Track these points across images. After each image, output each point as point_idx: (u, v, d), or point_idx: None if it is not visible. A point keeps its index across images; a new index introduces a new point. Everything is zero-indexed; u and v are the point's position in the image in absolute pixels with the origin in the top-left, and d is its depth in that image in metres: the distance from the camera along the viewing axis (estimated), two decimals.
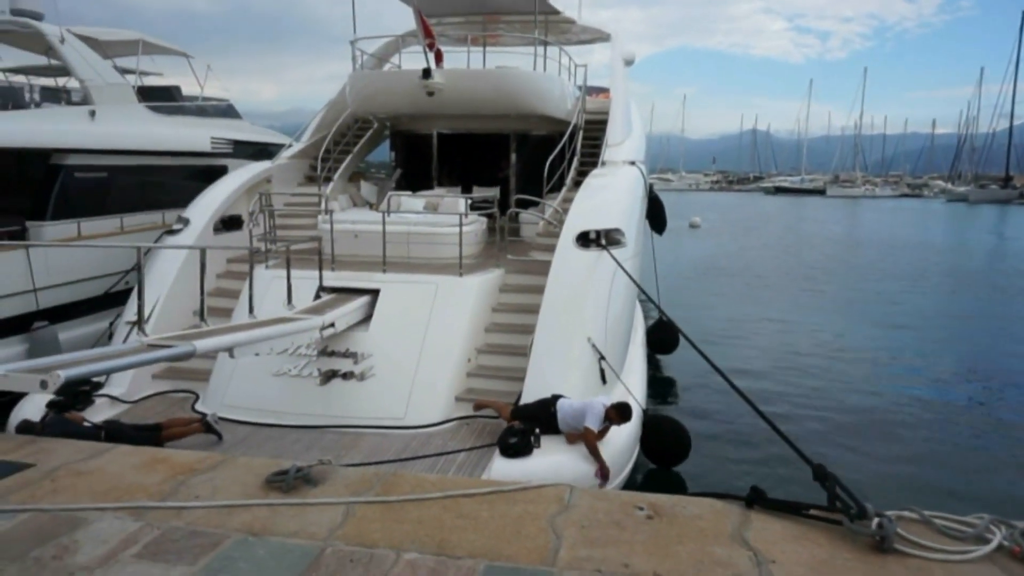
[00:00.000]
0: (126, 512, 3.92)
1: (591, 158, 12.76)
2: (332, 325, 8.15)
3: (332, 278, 9.39)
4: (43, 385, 4.27)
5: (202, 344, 5.90)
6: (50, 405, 7.59)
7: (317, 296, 9.16)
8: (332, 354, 8.48)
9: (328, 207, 11.11)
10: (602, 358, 8.09)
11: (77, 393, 7.69)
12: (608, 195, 10.13)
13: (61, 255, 10.63)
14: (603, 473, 6.77)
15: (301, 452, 7.25)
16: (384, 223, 9.66)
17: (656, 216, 14.58)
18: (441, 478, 4.66)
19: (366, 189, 14.15)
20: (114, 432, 6.94)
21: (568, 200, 10.88)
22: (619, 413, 7.05)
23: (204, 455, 4.87)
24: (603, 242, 8.96)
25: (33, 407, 7.72)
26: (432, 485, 4.38)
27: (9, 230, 10.50)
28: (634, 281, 9.12)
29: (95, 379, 8.03)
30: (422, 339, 8.55)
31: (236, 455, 4.80)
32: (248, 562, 3.46)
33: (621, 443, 7.33)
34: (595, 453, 6.85)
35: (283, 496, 4.22)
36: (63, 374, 4.33)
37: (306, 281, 9.12)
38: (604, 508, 4.04)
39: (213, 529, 3.79)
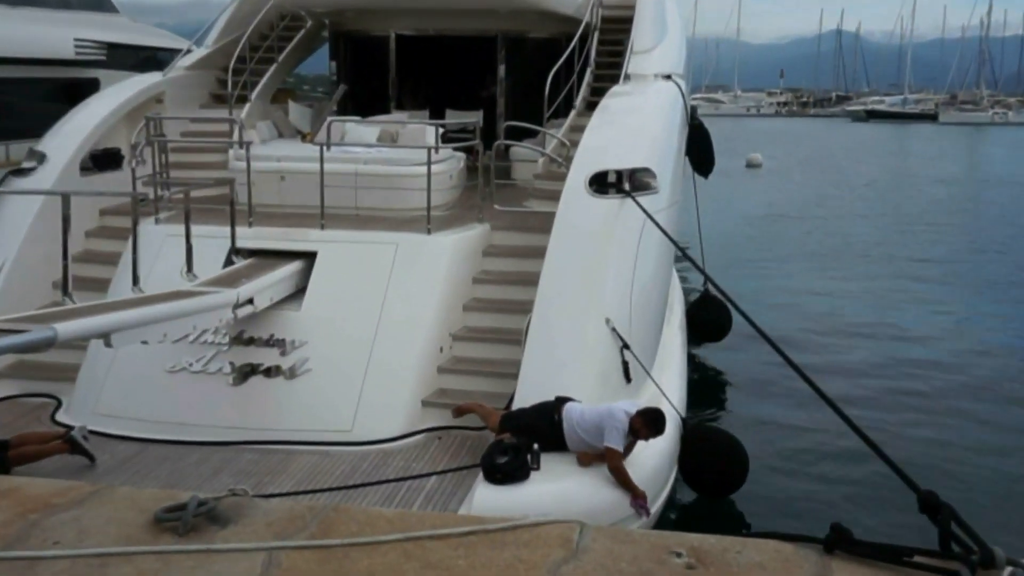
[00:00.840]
0: None
1: (610, 71, 12.65)
2: (250, 302, 8.11)
3: (250, 237, 9.35)
4: None
5: (66, 328, 5.82)
6: None
7: (229, 262, 9.11)
8: (250, 342, 8.46)
9: (243, 138, 10.97)
10: (626, 347, 8.08)
11: None
12: (633, 122, 10.05)
13: None
14: (641, 501, 6.88)
15: (207, 478, 7.24)
16: (322, 160, 9.61)
17: (701, 152, 14.52)
18: (402, 513, 4.60)
19: (296, 113, 14.00)
20: None
21: (578, 128, 10.78)
22: (648, 423, 7.08)
23: (67, 484, 4.77)
24: (627, 187, 8.95)
25: None
26: (389, 523, 4.31)
27: None
28: (671, 239, 9.09)
29: None
30: (376, 321, 8.54)
31: (114, 484, 4.72)
32: None
33: (652, 465, 7.33)
34: (623, 479, 6.92)
35: (179, 541, 4.15)
36: None
37: (213, 241, 9.07)
38: (628, 554, 4.01)
39: None
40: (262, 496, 4.81)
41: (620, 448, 6.97)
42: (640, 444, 7.23)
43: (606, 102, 10.44)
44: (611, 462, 6.94)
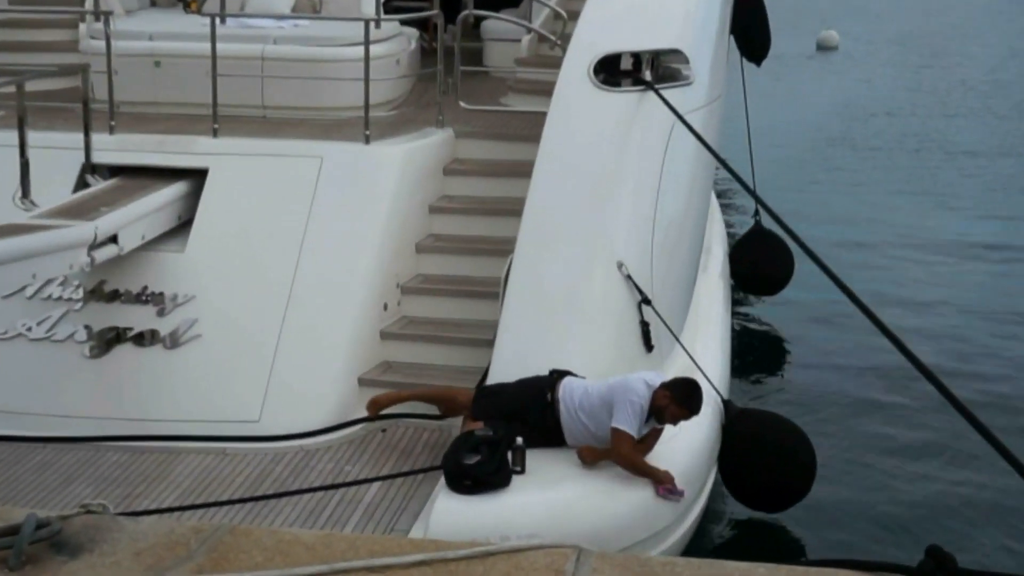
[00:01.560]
0: None
1: None
2: (113, 240, 8.06)
3: (111, 147, 9.30)
4: None
5: None
6: None
7: (82, 184, 9.06)
8: (115, 298, 8.46)
9: (101, 7, 10.82)
10: (645, 302, 8.11)
11: None
12: None
13: None
14: (666, 484, 6.97)
15: (53, 489, 7.23)
16: (213, 39, 9.49)
17: (752, 29, 14.41)
18: (326, 537, 4.59)
19: None
20: None
21: None
22: (678, 398, 7.08)
23: None
24: (648, 76, 8.91)
25: None
26: (309, 551, 4.31)
27: None
28: (711, 150, 9.04)
29: None
30: (292, 267, 8.53)
31: None
32: None
33: (681, 464, 7.33)
34: (636, 465, 6.99)
35: None
36: None
37: (58, 154, 9.02)
38: None
39: None
40: (130, 514, 4.77)
41: (632, 431, 6.96)
42: (667, 432, 7.26)
43: None
44: (617, 448, 6.95)
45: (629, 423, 6.94)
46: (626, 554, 4.52)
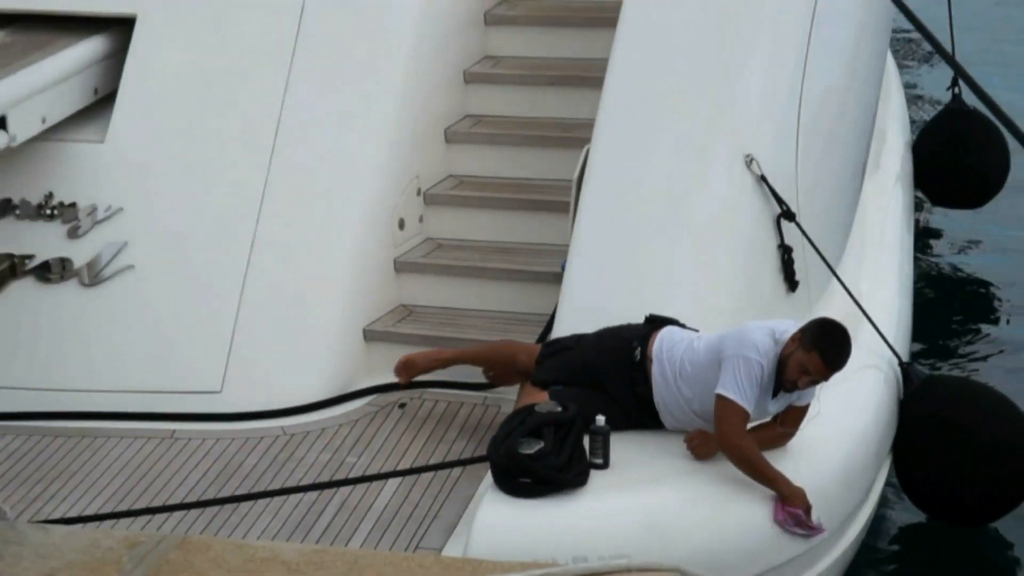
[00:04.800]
0: None
1: None
2: (1, 125, 8.19)
3: None
4: None
5: None
6: None
7: None
8: (6, 212, 8.64)
9: None
10: (786, 215, 8.15)
11: None
12: None
13: None
14: (794, 511, 6.84)
15: None
16: None
17: None
18: (323, 553, 4.74)
19: None
20: None
21: None
22: (819, 343, 6.99)
23: None
24: None
25: None
26: (293, 572, 4.46)
27: None
28: None
29: None
30: (264, 162, 8.63)
31: None
32: None
33: (837, 458, 7.42)
34: (748, 458, 6.91)
35: None
36: None
37: None
38: None
39: None
40: (35, 523, 4.84)
41: (744, 402, 6.89)
42: (810, 413, 7.26)
43: None
44: (719, 424, 6.91)
45: (739, 389, 6.82)
46: None
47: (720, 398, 6.79)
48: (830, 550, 7.34)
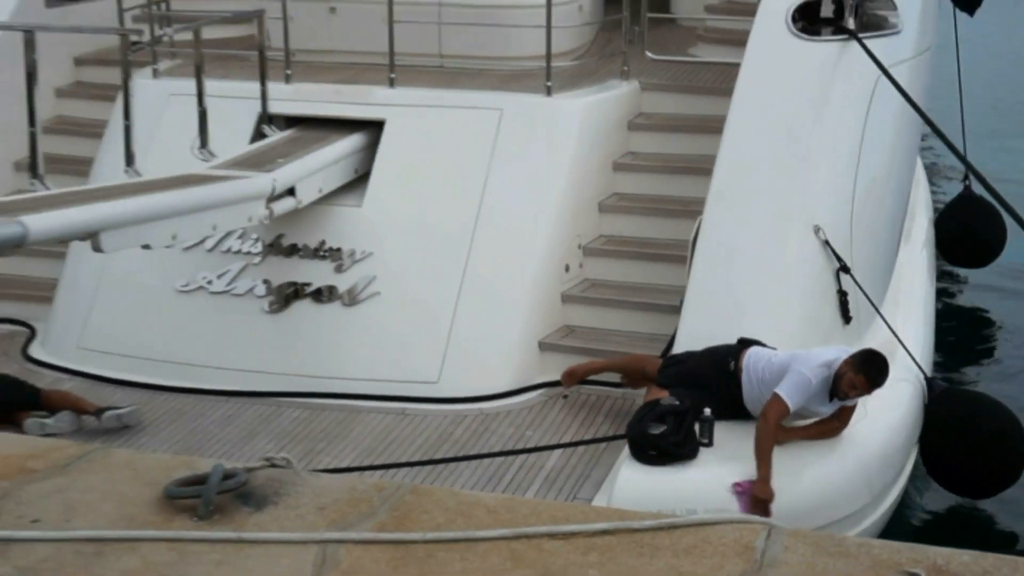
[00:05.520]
0: None
1: None
2: (291, 193, 8.31)
3: (287, 96, 9.55)
4: None
5: (39, 223, 6.08)
6: None
7: (258, 135, 9.33)
8: (293, 252, 8.73)
9: None
10: (844, 270, 8.04)
11: None
12: None
13: None
14: (747, 490, 6.73)
15: (235, 443, 7.53)
16: None
17: None
18: (509, 500, 4.72)
19: None
20: None
21: None
22: (857, 363, 6.99)
23: (47, 444, 5.05)
24: (851, 24, 8.78)
25: None
26: (491, 514, 4.44)
27: None
28: (917, 108, 8.84)
29: None
30: (471, 223, 8.66)
31: (109, 445, 4.93)
32: None
33: (877, 443, 7.33)
34: (763, 444, 6.83)
35: (200, 525, 4.38)
36: None
37: (235, 104, 9.29)
38: (837, 570, 4.03)
39: None
40: (314, 471, 4.98)
41: (791, 402, 6.90)
42: (858, 414, 7.20)
43: None
44: (765, 411, 6.90)
45: (791, 392, 6.89)
46: (820, 532, 4.55)
47: (775, 395, 6.88)
48: (876, 509, 7.35)
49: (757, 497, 6.66)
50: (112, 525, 4.22)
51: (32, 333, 9.23)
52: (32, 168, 7.46)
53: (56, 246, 8.39)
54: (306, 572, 4.01)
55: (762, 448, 6.78)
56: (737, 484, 6.72)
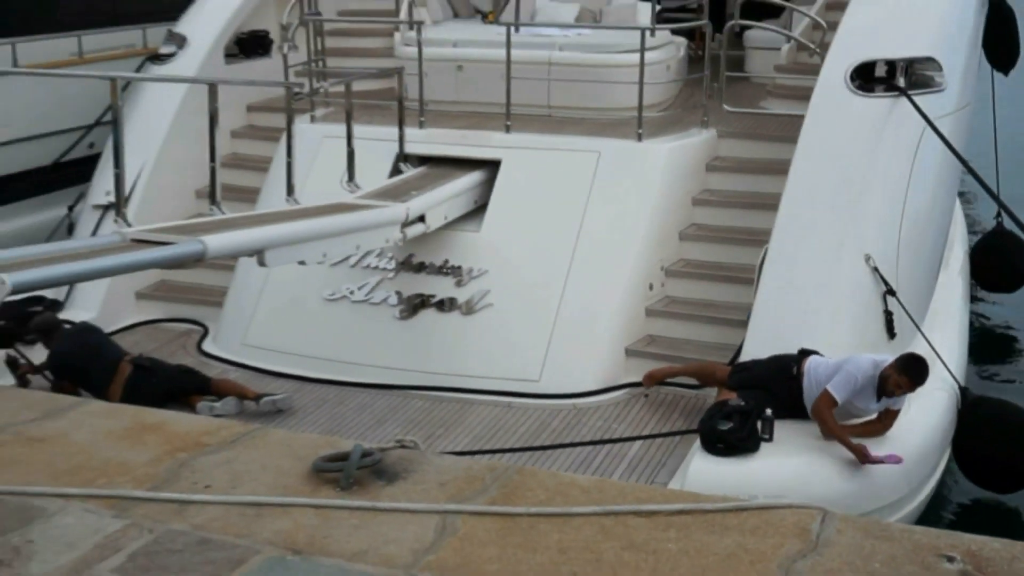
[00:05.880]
0: (101, 503, 4.26)
1: None
2: (421, 220, 8.40)
3: (420, 140, 9.65)
4: None
5: (216, 242, 6.23)
6: None
7: (395, 171, 9.44)
8: (421, 269, 8.82)
9: (413, 18, 11.19)
10: (890, 293, 7.92)
11: (24, 316, 8.38)
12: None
13: None
14: (866, 455, 6.72)
15: (368, 426, 7.64)
16: (508, 46, 9.71)
17: (1001, 39, 13.65)
18: (600, 482, 4.71)
19: None
20: (148, 372, 7.68)
21: (837, 7, 10.38)
22: (900, 365, 6.92)
23: (217, 423, 5.18)
24: (902, 83, 8.64)
25: None
26: (584, 493, 4.45)
27: None
28: (957, 156, 8.72)
29: (52, 297, 8.80)
30: (571, 248, 8.68)
31: (268, 425, 5.04)
32: None
33: (916, 444, 7.21)
34: (828, 425, 6.87)
35: (341, 495, 4.43)
36: (10, 280, 4.71)
37: (377, 145, 9.41)
38: (883, 552, 3.97)
39: (234, 539, 4.05)
40: (437, 454, 5.03)
41: (838, 396, 6.90)
42: (902, 421, 7.09)
43: None
44: (816, 403, 6.94)
45: (838, 388, 6.90)
46: (868, 518, 4.47)
47: (825, 389, 6.89)
48: (915, 497, 7.25)
49: (864, 459, 6.73)
50: (269, 492, 4.31)
51: (205, 331, 9.44)
52: (211, 196, 7.64)
53: (228, 261, 8.54)
54: (429, 537, 4.05)
55: (831, 431, 6.87)
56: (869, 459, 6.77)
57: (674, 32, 11.30)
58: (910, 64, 8.76)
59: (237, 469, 4.51)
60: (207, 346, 9.16)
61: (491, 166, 9.31)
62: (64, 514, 4.14)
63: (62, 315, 8.83)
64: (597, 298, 8.56)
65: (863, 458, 6.71)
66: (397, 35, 11.42)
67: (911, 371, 6.87)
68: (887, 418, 7.07)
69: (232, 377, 8.30)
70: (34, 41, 12.11)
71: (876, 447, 6.90)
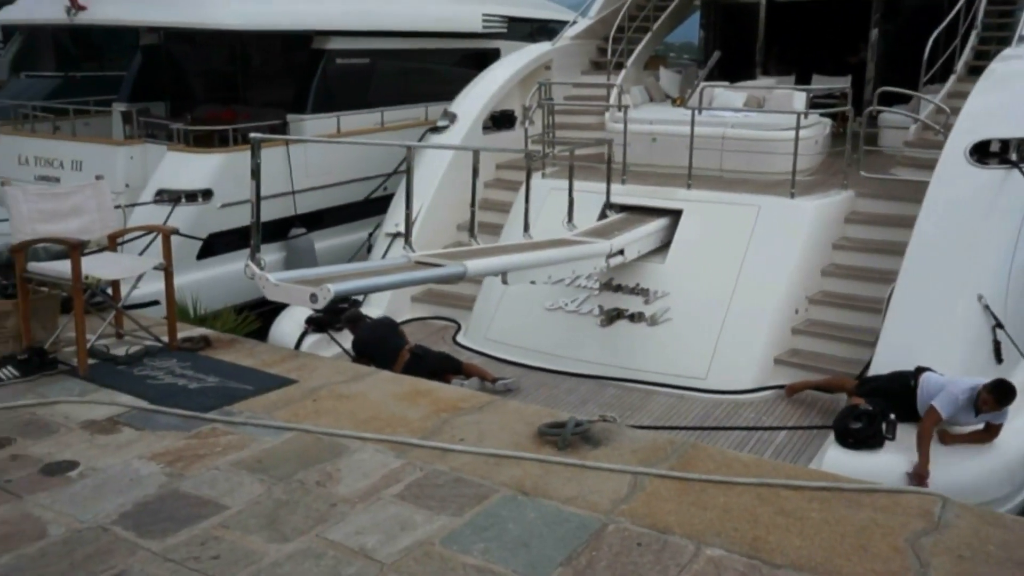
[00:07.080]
0: (387, 446, 4.48)
1: (998, 32, 11.49)
2: (620, 253, 8.39)
3: (622, 193, 9.65)
4: (312, 299, 4.97)
5: (473, 265, 6.39)
6: (309, 321, 8.89)
7: (603, 215, 9.48)
8: (618, 289, 8.80)
9: (621, 102, 11.22)
10: (999, 326, 7.36)
11: (337, 311, 8.84)
12: None
13: (319, 154, 11.93)
14: (921, 475, 6.23)
15: (575, 405, 7.66)
16: (692, 123, 9.62)
17: None
18: (757, 460, 4.59)
19: (666, 78, 14.05)
20: (420, 359, 7.88)
21: (959, 95, 9.85)
22: (994, 391, 6.39)
23: (469, 393, 5.35)
24: (1013, 157, 8.05)
25: (292, 322, 9.07)
26: (744, 467, 4.34)
27: (271, 124, 11.88)
28: None
29: (355, 297, 9.26)
30: (735, 278, 8.49)
31: (504, 398, 5.14)
32: (518, 524, 3.75)
33: (1017, 449, 6.67)
34: (923, 440, 6.38)
35: (558, 453, 4.50)
36: (333, 288, 4.98)
37: (589, 196, 9.45)
38: (997, 537, 3.69)
39: (480, 480, 4.17)
40: (628, 426, 5.03)
41: (942, 412, 6.42)
42: (1006, 434, 6.56)
43: (994, 66, 9.36)
44: (924, 420, 6.44)
45: (942, 404, 6.44)
46: (983, 507, 4.16)
47: (931, 406, 6.46)
48: (1015, 498, 6.72)
49: (917, 472, 6.24)
50: (506, 447, 4.43)
51: (459, 327, 9.64)
52: (471, 230, 7.82)
53: (477, 279, 8.73)
54: (623, 491, 4.05)
55: (922, 441, 6.38)
56: (911, 468, 6.31)
57: (822, 115, 10.93)
58: (1021, 142, 8.17)
59: (483, 428, 4.63)
60: (460, 338, 9.35)
61: (675, 214, 9.21)
62: (362, 452, 4.35)
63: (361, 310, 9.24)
64: (754, 317, 8.31)
65: (918, 475, 6.25)
66: (608, 115, 11.50)
67: (996, 392, 6.42)
68: (992, 430, 6.56)
69: (477, 363, 8.44)
70: (351, 115, 12.91)
71: (983, 453, 6.52)
